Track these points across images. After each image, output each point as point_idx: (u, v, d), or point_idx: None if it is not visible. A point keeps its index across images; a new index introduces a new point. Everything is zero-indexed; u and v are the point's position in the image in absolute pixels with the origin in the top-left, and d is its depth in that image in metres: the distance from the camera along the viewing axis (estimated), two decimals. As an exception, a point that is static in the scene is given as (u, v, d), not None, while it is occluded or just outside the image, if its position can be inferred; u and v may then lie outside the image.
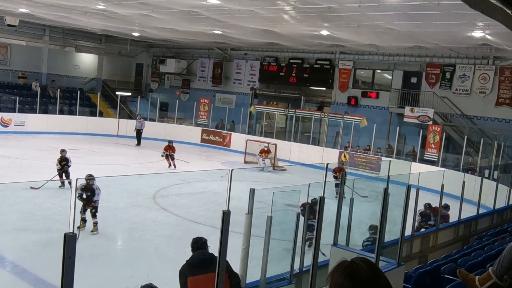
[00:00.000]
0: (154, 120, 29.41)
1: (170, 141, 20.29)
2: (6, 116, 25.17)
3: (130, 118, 29.82)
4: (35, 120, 25.94)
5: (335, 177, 15.33)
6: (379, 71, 25.53)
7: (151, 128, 28.27)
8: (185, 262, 5.54)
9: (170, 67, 31.73)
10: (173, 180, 16.70)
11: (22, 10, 21.93)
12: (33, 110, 26.57)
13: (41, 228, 10.87)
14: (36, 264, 8.68)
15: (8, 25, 24.89)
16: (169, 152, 19.91)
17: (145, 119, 29.20)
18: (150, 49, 34.26)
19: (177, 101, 29.29)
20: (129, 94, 32.03)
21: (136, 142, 26.02)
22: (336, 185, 14.46)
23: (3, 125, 24.86)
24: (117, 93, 30.10)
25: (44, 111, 27.16)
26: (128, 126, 27.94)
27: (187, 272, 5.39)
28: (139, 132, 26.24)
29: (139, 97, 30.14)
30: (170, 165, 19.81)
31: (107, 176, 14.15)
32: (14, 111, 25.52)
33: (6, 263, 9.06)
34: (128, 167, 17.98)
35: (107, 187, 14.12)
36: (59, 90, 28.20)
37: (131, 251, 10.15)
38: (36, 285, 8.16)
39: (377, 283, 1.86)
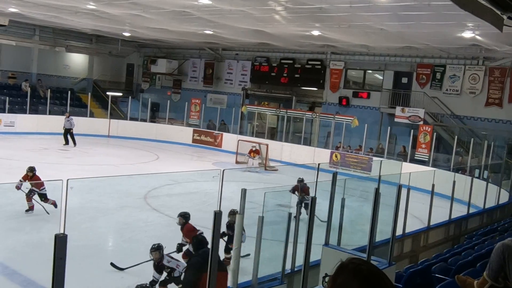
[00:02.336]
0: (145, 121, 29.34)
1: (30, 169, 11.81)
2: (-5, 116, 25.00)
3: (121, 118, 29.70)
4: (25, 121, 25.74)
5: (300, 198, 12.18)
6: (370, 71, 25.63)
7: (143, 129, 28.24)
8: (196, 255, 5.42)
9: (161, 67, 31.66)
10: (164, 181, 16.64)
11: (12, 9, 21.75)
12: (23, 111, 26.37)
13: (31, 229, 10.81)
14: (27, 265, 8.61)
15: (-2, 24, 24.76)
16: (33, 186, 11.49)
17: (134, 119, 29.07)
18: (141, 49, 34.15)
19: (168, 101, 29.20)
20: (120, 94, 31.88)
21: (63, 142, 23.13)
22: (301, 204, 11.07)
23: (-7, 126, 24.64)
24: (108, 93, 29.93)
25: (34, 111, 26.96)
26: (119, 126, 27.86)
27: (203, 268, 5.19)
28: (67, 132, 23.24)
29: (130, 97, 30.02)
30: (30, 208, 11.45)
31: (97, 177, 14.07)
32: (4, 112, 25.28)
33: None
34: (119, 168, 17.89)
35: (98, 187, 14.11)
36: (49, 90, 28.00)
37: (122, 252, 10.10)
38: (27, 287, 8.10)
39: (390, 284, 1.83)
